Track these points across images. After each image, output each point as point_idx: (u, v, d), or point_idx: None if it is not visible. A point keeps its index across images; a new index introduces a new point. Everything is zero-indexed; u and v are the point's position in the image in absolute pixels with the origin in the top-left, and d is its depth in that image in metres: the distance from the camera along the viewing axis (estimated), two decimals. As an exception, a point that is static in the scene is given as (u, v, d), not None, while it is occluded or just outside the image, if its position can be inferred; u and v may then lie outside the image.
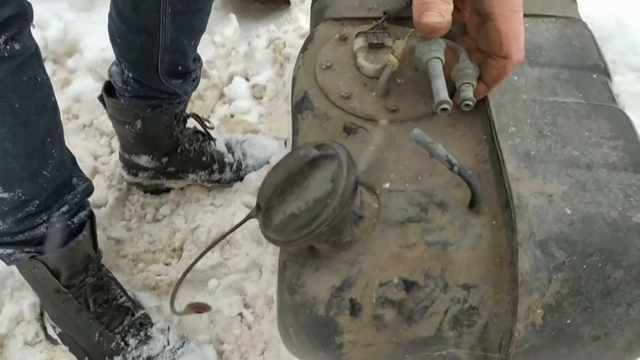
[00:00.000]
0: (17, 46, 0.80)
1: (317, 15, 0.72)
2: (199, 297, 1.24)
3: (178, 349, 1.10)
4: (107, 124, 1.44)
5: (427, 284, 0.52)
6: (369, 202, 0.54)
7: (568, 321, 0.53)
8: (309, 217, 0.48)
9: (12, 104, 0.83)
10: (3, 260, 1.01)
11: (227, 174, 1.37)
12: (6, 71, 0.80)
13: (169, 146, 1.27)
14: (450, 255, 0.52)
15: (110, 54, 1.20)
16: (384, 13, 0.66)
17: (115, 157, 1.41)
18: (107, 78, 1.17)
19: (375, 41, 0.64)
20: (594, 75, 0.65)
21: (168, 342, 1.10)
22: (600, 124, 0.60)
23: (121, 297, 1.12)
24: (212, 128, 1.38)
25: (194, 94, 1.54)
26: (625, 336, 0.55)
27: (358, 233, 0.53)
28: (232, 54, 1.67)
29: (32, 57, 0.85)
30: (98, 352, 1.08)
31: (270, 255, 1.26)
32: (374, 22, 0.68)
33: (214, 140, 1.37)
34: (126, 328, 1.09)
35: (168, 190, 1.40)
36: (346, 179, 0.47)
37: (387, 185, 0.56)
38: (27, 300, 1.15)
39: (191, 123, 1.38)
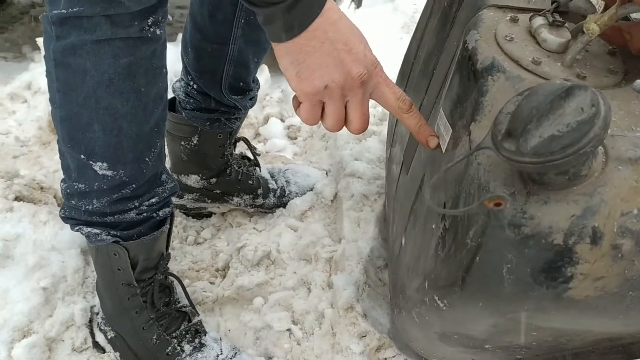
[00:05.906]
0: (158, 31, 0.84)
1: (476, 5, 0.78)
2: (244, 314, 1.19)
3: (231, 358, 1.06)
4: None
5: (664, 217, 0.55)
6: (599, 141, 0.58)
7: None
8: (575, 137, 0.51)
9: (139, 86, 0.86)
10: (89, 239, 0.97)
11: (271, 199, 1.37)
12: (143, 54, 0.84)
13: (219, 166, 1.28)
14: (682, 190, 0.56)
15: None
16: (553, 2, 0.73)
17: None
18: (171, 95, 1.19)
19: (558, 19, 0.70)
20: None
21: (221, 352, 1.05)
22: None
23: (181, 301, 1.08)
24: (259, 155, 1.40)
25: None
26: None
27: (594, 167, 0.57)
28: (266, 98, 1.71)
29: (163, 46, 0.89)
30: (152, 356, 1.01)
31: (320, 272, 1.24)
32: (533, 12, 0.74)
33: (259, 166, 1.39)
34: (183, 333, 1.04)
35: (210, 214, 1.39)
36: (605, 104, 0.51)
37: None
38: (78, 305, 1.07)
39: (238, 150, 1.40)
